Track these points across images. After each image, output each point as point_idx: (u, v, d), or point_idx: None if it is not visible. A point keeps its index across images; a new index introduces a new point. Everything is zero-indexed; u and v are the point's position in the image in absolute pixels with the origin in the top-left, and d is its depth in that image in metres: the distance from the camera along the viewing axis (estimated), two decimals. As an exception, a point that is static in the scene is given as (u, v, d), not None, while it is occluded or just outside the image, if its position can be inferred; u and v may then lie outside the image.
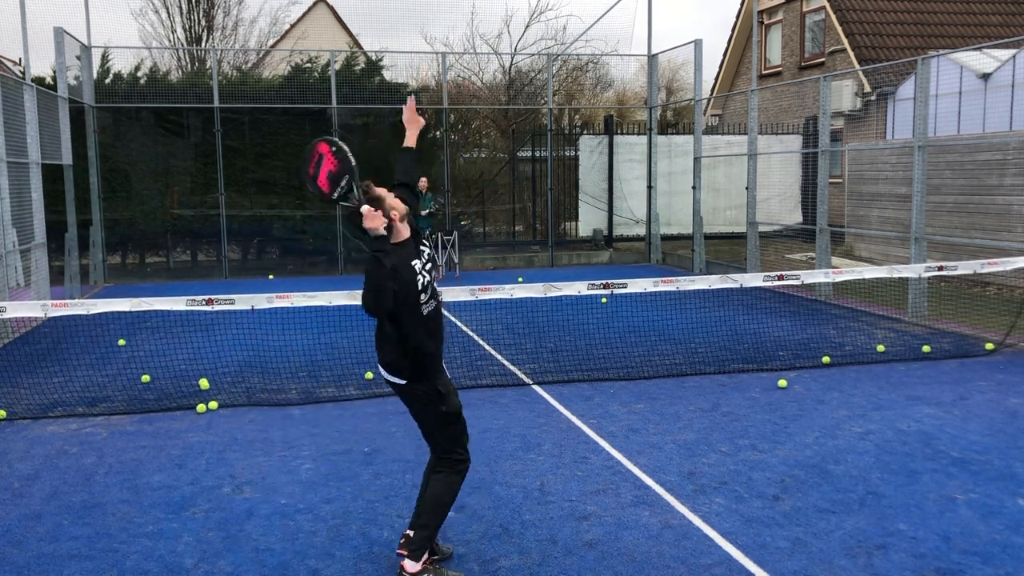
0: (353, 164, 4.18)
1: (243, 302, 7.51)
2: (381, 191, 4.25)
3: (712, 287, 8.70)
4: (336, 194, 4.21)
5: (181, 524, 5.06)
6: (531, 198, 20.17)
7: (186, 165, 17.51)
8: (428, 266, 4.48)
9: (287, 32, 30.27)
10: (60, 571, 4.49)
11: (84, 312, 7.48)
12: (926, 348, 9.42)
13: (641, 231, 19.60)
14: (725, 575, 4.36)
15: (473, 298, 8.06)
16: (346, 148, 4.19)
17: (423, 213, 15.96)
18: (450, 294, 7.98)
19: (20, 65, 14.37)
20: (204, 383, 8.22)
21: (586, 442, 6.47)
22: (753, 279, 8.80)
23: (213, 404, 7.53)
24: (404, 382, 4.34)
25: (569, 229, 20.22)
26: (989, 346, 9.46)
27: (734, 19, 25.42)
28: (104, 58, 17.29)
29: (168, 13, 26.12)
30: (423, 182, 16.17)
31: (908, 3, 21.09)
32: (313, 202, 17.79)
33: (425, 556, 4.34)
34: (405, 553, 4.32)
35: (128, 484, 5.72)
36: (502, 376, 8.56)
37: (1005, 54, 14.34)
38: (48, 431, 6.92)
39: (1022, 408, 7.20)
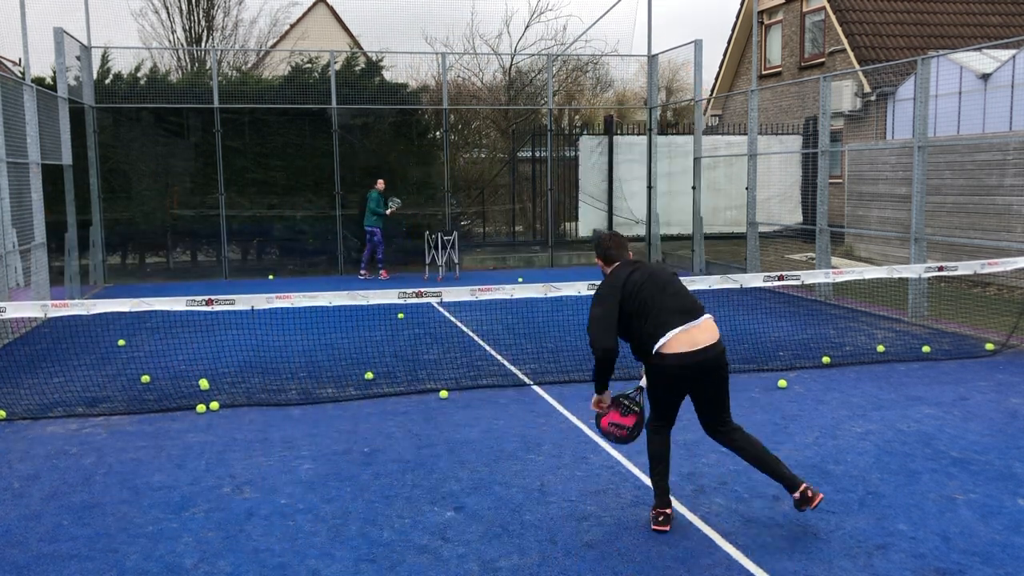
0: (615, 396, 5.12)
1: (243, 302, 7.52)
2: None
3: (712, 287, 8.70)
4: (635, 412, 5.11)
5: (181, 524, 5.06)
6: (531, 198, 20.17)
7: (186, 165, 17.51)
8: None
9: (287, 32, 30.29)
10: (60, 571, 4.49)
11: (84, 312, 7.48)
12: (926, 348, 9.42)
13: (641, 231, 19.60)
14: (725, 575, 4.36)
15: (473, 298, 8.06)
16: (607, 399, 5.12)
17: (374, 217, 16.10)
18: (450, 294, 7.98)
19: (20, 65, 14.37)
20: (204, 383, 8.23)
21: (586, 442, 6.47)
22: (753, 279, 8.80)
23: (214, 405, 7.53)
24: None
25: (569, 229, 20.22)
26: (989, 346, 9.46)
27: (734, 19, 25.44)
28: (104, 58, 17.28)
29: (168, 13, 26.13)
30: (380, 183, 16.30)
31: (908, 3, 21.09)
32: (313, 202, 17.80)
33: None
34: (813, 492, 4.78)
35: (128, 484, 5.72)
36: (502, 376, 8.56)
37: (1005, 54, 14.34)
38: (48, 431, 6.92)
39: (1022, 408, 7.20)
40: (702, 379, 4.78)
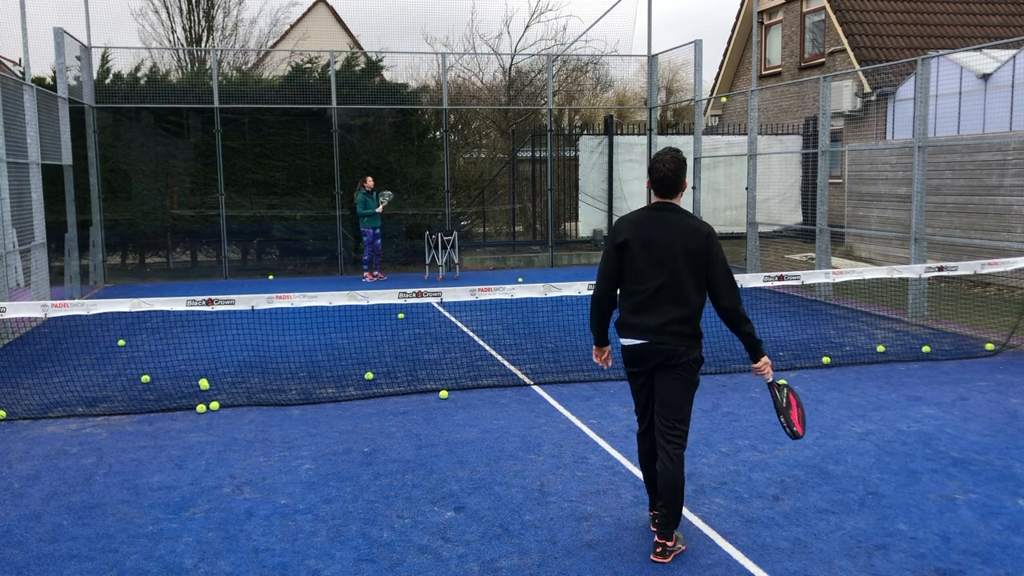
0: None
1: (243, 302, 7.51)
2: None
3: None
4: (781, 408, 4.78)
5: (181, 524, 5.06)
6: (531, 198, 20.17)
7: (186, 165, 17.51)
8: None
9: (287, 32, 30.30)
10: (60, 571, 4.49)
11: (84, 312, 7.48)
12: (926, 348, 9.41)
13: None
14: (725, 575, 4.36)
15: (473, 298, 8.06)
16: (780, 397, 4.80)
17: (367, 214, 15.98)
18: (450, 294, 7.98)
19: (20, 65, 14.36)
20: (204, 383, 8.23)
21: (586, 442, 6.47)
22: (753, 279, 8.80)
23: (214, 404, 7.53)
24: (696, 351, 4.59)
25: (569, 229, 20.22)
26: (989, 346, 9.46)
27: (734, 19, 25.44)
28: (104, 58, 17.28)
29: (168, 13, 26.14)
30: (369, 181, 16.17)
31: (908, 3, 21.09)
32: (313, 202, 17.81)
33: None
34: (666, 542, 4.51)
35: (128, 484, 5.72)
36: (502, 376, 8.56)
37: (1005, 54, 14.35)
38: (48, 431, 6.92)
39: (1022, 408, 7.20)
40: (651, 365, 4.53)
